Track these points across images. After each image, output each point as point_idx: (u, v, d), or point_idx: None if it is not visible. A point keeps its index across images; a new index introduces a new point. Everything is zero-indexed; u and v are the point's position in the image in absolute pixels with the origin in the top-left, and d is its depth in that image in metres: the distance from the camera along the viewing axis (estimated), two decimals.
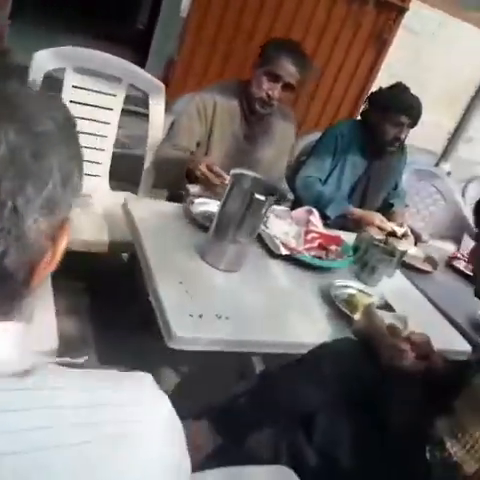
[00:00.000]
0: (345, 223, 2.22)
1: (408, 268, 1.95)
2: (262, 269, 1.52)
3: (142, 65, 3.89)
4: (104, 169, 2.13)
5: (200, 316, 1.18)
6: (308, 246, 1.65)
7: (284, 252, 1.55)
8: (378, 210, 2.46)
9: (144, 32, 4.69)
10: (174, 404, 0.53)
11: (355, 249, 1.77)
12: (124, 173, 2.32)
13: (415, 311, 1.55)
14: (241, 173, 1.34)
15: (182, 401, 0.70)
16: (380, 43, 3.81)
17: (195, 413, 1.31)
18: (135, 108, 2.38)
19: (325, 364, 1.22)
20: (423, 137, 3.92)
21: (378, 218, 2.17)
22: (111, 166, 2.17)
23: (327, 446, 1.21)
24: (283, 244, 1.57)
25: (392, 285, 1.75)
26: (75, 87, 1.95)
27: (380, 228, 2.13)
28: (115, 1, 5.45)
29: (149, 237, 1.41)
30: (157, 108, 2.10)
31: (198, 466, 1.33)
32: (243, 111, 1.97)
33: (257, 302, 1.34)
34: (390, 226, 2.12)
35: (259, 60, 1.89)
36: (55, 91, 1.93)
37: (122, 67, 2.01)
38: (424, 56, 4.14)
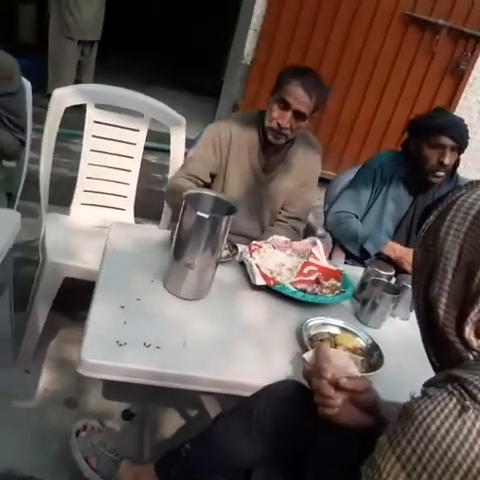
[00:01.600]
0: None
1: None
2: (235, 299, 1.38)
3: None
4: (129, 203, 2.16)
5: (124, 343, 1.08)
6: (299, 279, 1.48)
7: (259, 282, 1.40)
8: None
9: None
10: None
11: (362, 286, 1.56)
12: (151, 209, 2.36)
13: (413, 361, 1.29)
14: (196, 193, 1.25)
15: None
16: (457, 75, 3.54)
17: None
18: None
19: (262, 412, 1.04)
20: None
21: None
22: (140, 202, 2.21)
23: None
24: (263, 274, 1.43)
25: (403, 328, 1.49)
26: (97, 122, 2.03)
27: None
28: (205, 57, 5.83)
29: (112, 260, 1.36)
30: (178, 142, 2.10)
31: None
32: (261, 142, 1.89)
33: (209, 334, 1.20)
34: None
35: (273, 89, 1.82)
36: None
37: (142, 102, 2.06)
38: None
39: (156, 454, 1.31)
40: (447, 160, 1.91)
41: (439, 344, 0.75)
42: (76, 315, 2.09)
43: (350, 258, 2.17)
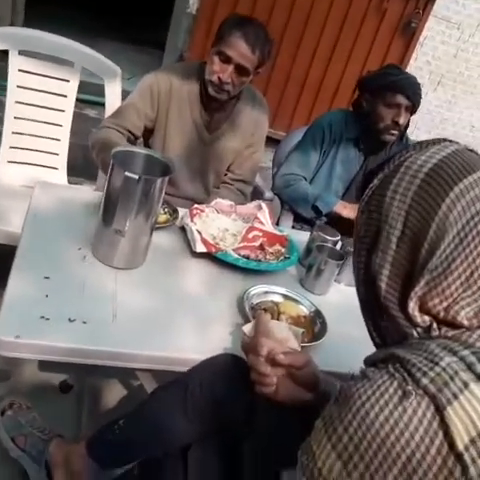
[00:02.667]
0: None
1: None
2: (173, 268, 1.29)
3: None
4: (61, 161, 1.99)
5: (47, 319, 0.97)
6: (243, 245, 1.40)
7: (199, 249, 1.31)
8: None
9: None
10: None
11: (307, 251, 1.50)
12: (90, 168, 2.19)
13: (357, 329, 1.25)
14: (126, 150, 1.13)
15: None
16: (408, 34, 3.47)
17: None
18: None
19: (198, 387, 0.97)
20: (455, 138, 3.52)
21: None
22: (77, 160, 2.04)
23: None
24: (203, 241, 1.33)
25: (348, 294, 1.45)
26: (22, 71, 1.82)
27: None
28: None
29: (35, 224, 1.23)
30: (114, 94, 1.93)
31: None
32: (202, 96, 1.75)
33: (143, 306, 1.11)
34: None
35: (214, 39, 1.67)
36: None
37: (73, 49, 1.86)
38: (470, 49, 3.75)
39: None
40: (402, 119, 1.86)
41: (380, 319, 0.68)
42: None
43: (299, 222, 2.12)
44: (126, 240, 1.15)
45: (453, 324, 0.63)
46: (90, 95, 2.95)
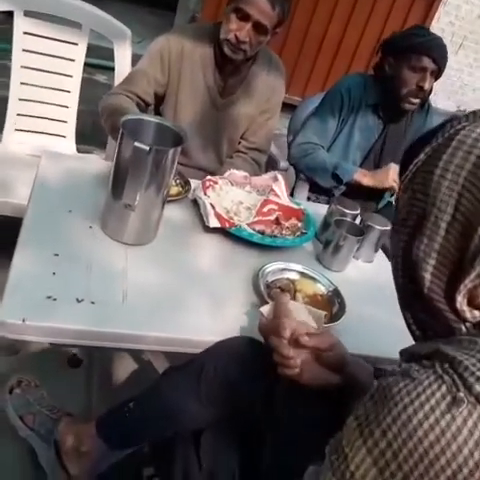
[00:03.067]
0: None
1: None
2: (185, 244, 1.24)
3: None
4: (69, 128, 1.92)
5: (54, 299, 0.93)
6: (258, 219, 1.34)
7: (213, 224, 1.25)
8: None
9: None
10: None
11: (325, 226, 1.43)
12: (100, 136, 2.12)
13: (376, 307, 1.20)
14: (136, 118, 1.06)
15: None
16: None
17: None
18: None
19: (212, 371, 0.93)
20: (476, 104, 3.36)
21: (393, 170, 1.81)
22: (87, 128, 1.97)
23: (215, 475, 0.93)
24: (217, 215, 1.28)
25: (366, 270, 1.40)
26: (27, 34, 1.74)
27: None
28: None
29: (42, 197, 1.18)
30: (123, 57, 1.84)
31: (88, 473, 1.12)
32: (216, 59, 1.66)
33: (154, 285, 1.06)
34: None
35: None
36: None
37: (81, 10, 1.77)
38: None
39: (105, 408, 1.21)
40: (427, 84, 1.75)
41: (422, 310, 0.61)
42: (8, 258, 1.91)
43: (314, 192, 2.05)
44: (136, 215, 1.10)
45: None
46: (100, 59, 2.86)
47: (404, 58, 1.75)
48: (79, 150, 1.98)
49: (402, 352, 0.61)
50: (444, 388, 0.49)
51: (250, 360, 0.91)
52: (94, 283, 1.00)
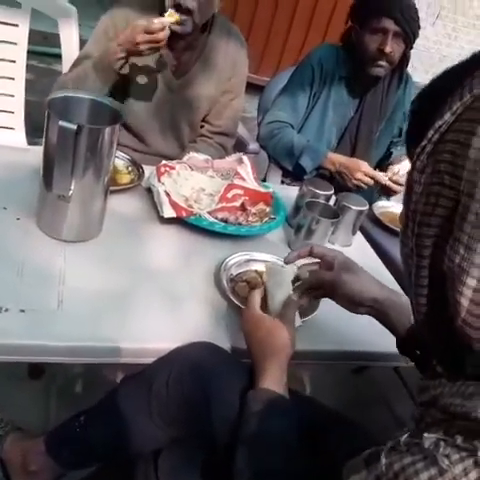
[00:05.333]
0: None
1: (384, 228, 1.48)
2: (137, 238, 1.09)
3: None
4: (17, 119, 1.76)
5: None
6: (221, 206, 1.20)
7: (167, 214, 1.11)
8: (379, 162, 1.94)
9: None
10: None
11: (296, 209, 1.30)
12: None
13: None
14: (64, 96, 0.91)
15: None
16: None
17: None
18: None
19: (162, 388, 0.79)
20: None
21: (364, 165, 1.68)
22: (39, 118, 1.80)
23: None
24: (172, 203, 1.13)
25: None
26: None
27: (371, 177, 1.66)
28: None
29: None
30: (69, 39, 1.67)
31: None
32: None
33: (98, 288, 0.92)
34: (377, 174, 1.65)
35: None
36: None
37: None
38: None
39: None
40: (388, 48, 1.59)
41: (448, 341, 0.43)
42: None
43: (287, 176, 1.91)
44: (74, 207, 0.95)
45: None
46: (59, 48, 2.69)
47: (366, 23, 1.62)
48: (34, 143, 1.81)
49: (421, 397, 0.44)
50: None
51: (209, 371, 0.77)
52: (25, 288, 0.86)
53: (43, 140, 0.91)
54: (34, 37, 1.81)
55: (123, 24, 1.45)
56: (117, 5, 1.53)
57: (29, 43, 1.68)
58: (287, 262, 0.91)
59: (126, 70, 1.42)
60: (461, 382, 0.41)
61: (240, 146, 1.88)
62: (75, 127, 0.82)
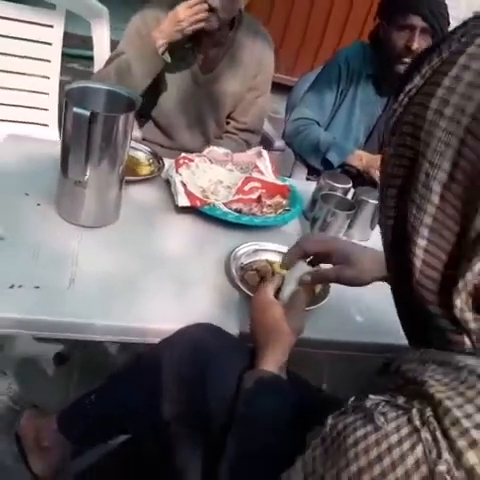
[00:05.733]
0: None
1: None
2: (153, 225, 1.12)
3: None
4: (51, 116, 1.83)
5: None
6: (237, 198, 1.21)
7: (182, 203, 1.13)
8: None
9: None
10: None
11: (313, 202, 1.30)
12: None
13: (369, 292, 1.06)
14: (82, 86, 0.95)
15: None
16: None
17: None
18: None
19: (166, 366, 0.81)
20: None
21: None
22: None
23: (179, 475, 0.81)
24: (187, 193, 1.15)
25: None
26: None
27: None
28: None
29: None
30: (101, 39, 1.74)
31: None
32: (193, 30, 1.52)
33: (109, 269, 0.95)
34: None
35: None
36: None
37: None
38: None
39: None
40: (415, 44, 1.56)
41: (410, 306, 0.43)
42: None
43: (313, 174, 1.90)
44: (90, 193, 0.98)
45: None
46: (75, 48, 2.73)
47: (394, 19, 1.60)
48: None
49: (380, 372, 0.45)
50: (420, 450, 0.33)
51: (209, 352, 0.78)
52: (39, 268, 0.90)
53: (62, 129, 0.96)
54: (73, 40, 1.89)
55: (154, 24, 1.49)
56: (147, 5, 1.58)
57: (69, 46, 1.76)
58: (287, 268, 0.88)
59: (168, 59, 1.46)
60: (423, 350, 0.41)
61: (266, 143, 1.89)
62: (89, 113, 0.86)
